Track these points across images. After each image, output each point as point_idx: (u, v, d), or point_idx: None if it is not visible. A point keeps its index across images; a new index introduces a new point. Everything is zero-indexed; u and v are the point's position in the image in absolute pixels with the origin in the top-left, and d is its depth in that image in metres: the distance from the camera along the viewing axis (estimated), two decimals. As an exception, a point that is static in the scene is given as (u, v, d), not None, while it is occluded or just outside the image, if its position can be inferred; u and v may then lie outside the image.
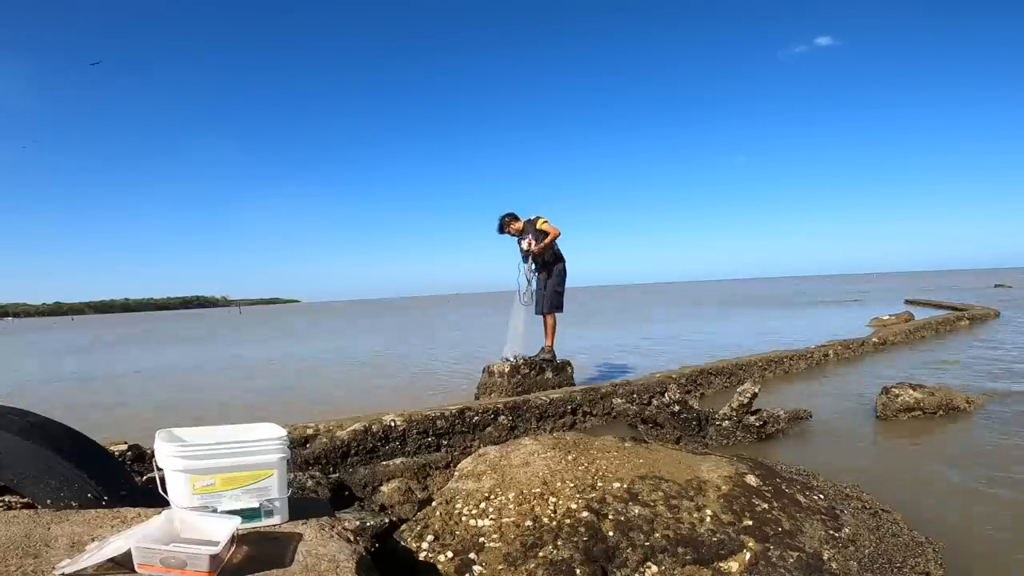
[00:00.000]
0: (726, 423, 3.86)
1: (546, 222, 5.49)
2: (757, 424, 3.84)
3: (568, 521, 1.96)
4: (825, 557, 1.90)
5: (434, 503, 2.16)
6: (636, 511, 2.03)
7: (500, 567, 1.78)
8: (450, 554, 1.83)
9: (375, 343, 13.86)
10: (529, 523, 1.95)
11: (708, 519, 2.03)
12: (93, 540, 1.30)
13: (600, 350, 9.34)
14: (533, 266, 5.50)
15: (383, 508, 2.74)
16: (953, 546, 2.18)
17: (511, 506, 2.04)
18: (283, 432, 1.61)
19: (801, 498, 2.29)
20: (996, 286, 29.35)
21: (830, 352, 7.07)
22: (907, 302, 18.11)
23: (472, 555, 1.82)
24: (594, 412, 4.53)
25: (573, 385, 5.21)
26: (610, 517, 1.99)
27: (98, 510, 1.48)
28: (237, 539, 1.36)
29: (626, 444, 2.60)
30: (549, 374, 5.22)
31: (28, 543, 1.27)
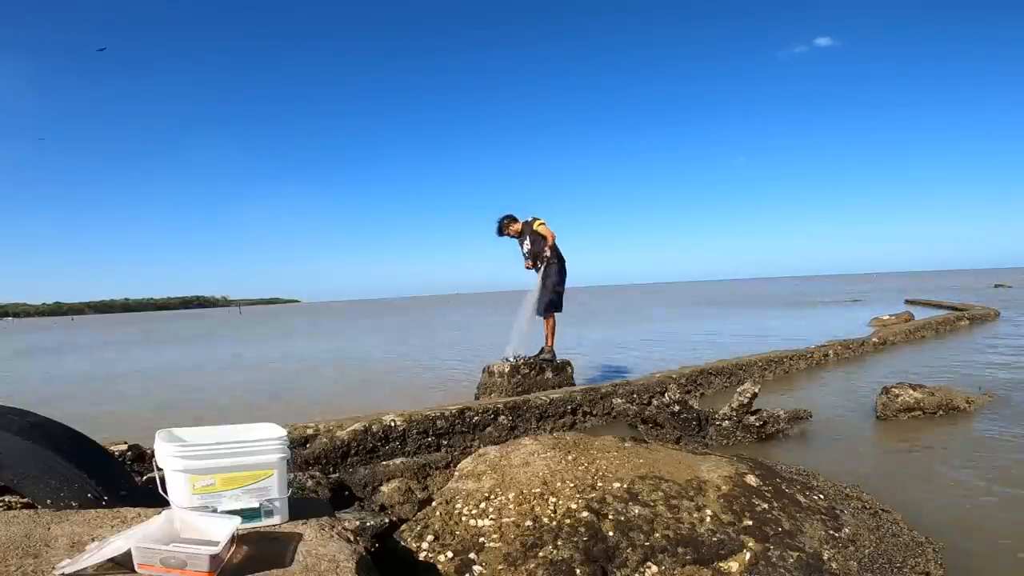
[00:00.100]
0: (726, 423, 3.86)
1: (543, 224, 5.49)
2: (757, 424, 3.84)
3: (568, 521, 1.96)
4: (825, 557, 1.90)
5: (434, 503, 2.16)
6: (636, 511, 2.03)
7: (500, 567, 1.78)
8: (450, 554, 1.83)
9: (375, 343, 13.87)
10: (529, 523, 1.95)
11: (708, 519, 2.03)
12: (93, 540, 1.30)
13: (600, 350, 9.34)
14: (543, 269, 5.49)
15: (383, 508, 2.74)
16: (953, 546, 2.18)
17: (511, 506, 2.04)
18: (283, 432, 1.61)
19: (801, 498, 2.29)
20: (996, 286, 29.35)
21: (830, 352, 7.07)
22: (907, 302, 18.12)
23: (472, 555, 1.82)
24: (594, 412, 4.53)
25: (573, 385, 5.21)
26: (610, 517, 1.99)
27: (98, 510, 1.48)
28: (237, 539, 1.36)
29: (626, 444, 2.60)
30: (549, 374, 5.22)
31: (28, 543, 1.27)
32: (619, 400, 4.46)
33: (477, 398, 5.09)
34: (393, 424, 3.54)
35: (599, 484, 2.16)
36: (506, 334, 5.53)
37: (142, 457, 2.86)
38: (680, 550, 1.87)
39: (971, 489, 2.81)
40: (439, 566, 1.79)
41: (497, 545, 1.86)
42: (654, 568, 1.81)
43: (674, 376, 5.20)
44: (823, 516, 2.18)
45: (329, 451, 3.24)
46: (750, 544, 1.91)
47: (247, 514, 1.47)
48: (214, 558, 1.21)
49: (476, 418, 3.92)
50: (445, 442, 3.73)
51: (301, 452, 3.16)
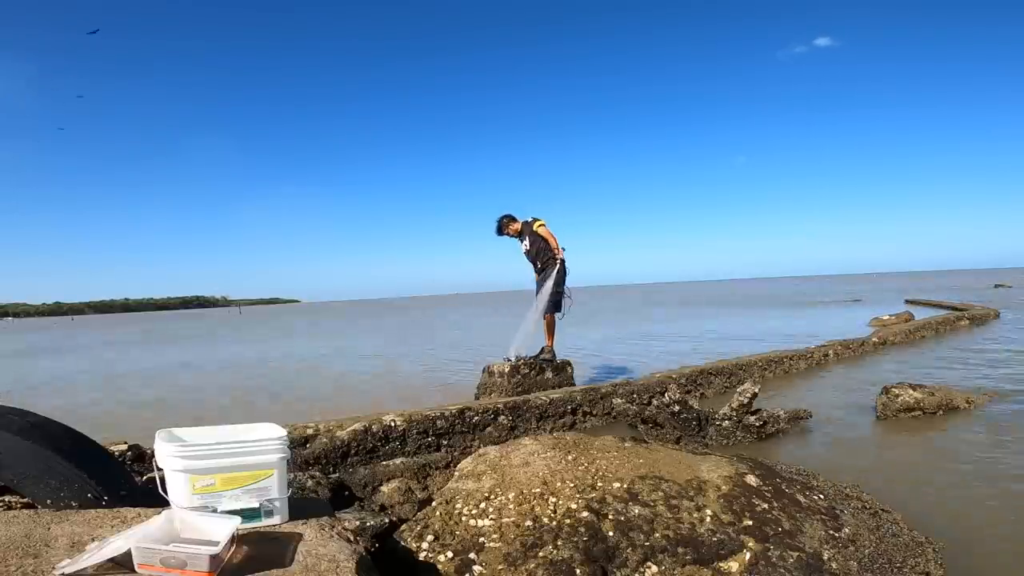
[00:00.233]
0: (726, 423, 3.86)
1: (543, 225, 5.49)
2: (757, 424, 3.84)
3: (568, 521, 1.96)
4: (825, 557, 1.90)
5: (434, 503, 2.16)
6: (636, 511, 2.03)
7: (500, 567, 1.78)
8: (450, 554, 1.83)
9: (375, 343, 13.87)
10: (529, 523, 1.95)
11: (708, 519, 2.03)
12: (93, 540, 1.31)
13: (600, 350, 9.34)
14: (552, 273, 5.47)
15: (383, 508, 2.74)
16: (953, 546, 2.18)
17: (511, 506, 2.04)
18: (283, 432, 1.61)
19: (801, 498, 2.29)
20: (996, 286, 29.35)
21: (830, 352, 7.07)
22: (907, 302, 18.12)
23: (472, 555, 1.82)
24: (594, 412, 4.53)
25: (573, 385, 5.20)
26: (610, 517, 1.99)
27: (98, 510, 1.48)
28: (237, 539, 1.36)
29: (626, 444, 2.60)
30: (549, 374, 5.22)
31: (28, 543, 1.27)
32: (619, 400, 4.46)
33: (477, 398, 5.09)
34: (393, 424, 3.54)
35: (599, 484, 2.16)
36: (507, 333, 5.53)
37: (142, 457, 2.86)
38: (680, 550, 1.87)
39: (971, 489, 2.82)
40: (439, 566, 1.79)
41: (497, 545, 1.86)
42: (654, 568, 1.81)
43: (674, 376, 5.20)
44: (823, 516, 2.18)
45: (329, 451, 3.24)
46: (750, 544, 1.91)
47: (247, 514, 1.47)
48: (214, 558, 1.21)
49: (476, 418, 3.92)
50: (445, 442, 3.73)
51: (301, 452, 3.16)
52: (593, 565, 1.79)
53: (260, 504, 1.50)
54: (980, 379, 5.47)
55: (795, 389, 5.55)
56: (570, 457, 2.35)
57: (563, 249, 5.48)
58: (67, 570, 1.17)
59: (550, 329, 5.53)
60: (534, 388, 4.98)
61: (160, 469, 1.49)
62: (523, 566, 1.77)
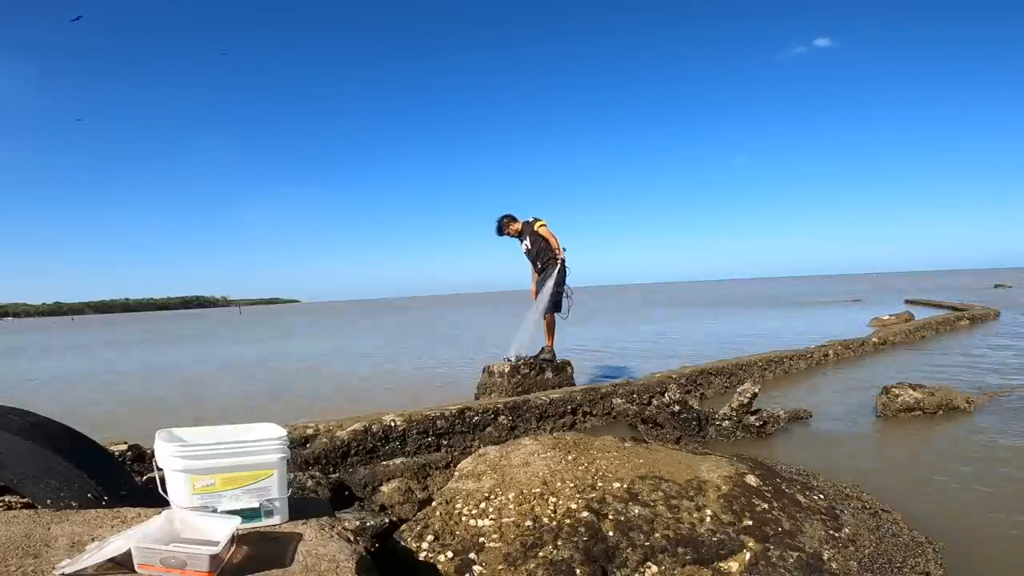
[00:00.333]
0: (726, 423, 3.86)
1: (544, 225, 5.49)
2: (757, 424, 3.84)
3: (568, 521, 1.96)
4: (825, 557, 1.90)
5: (434, 503, 2.16)
6: (636, 511, 2.03)
7: (500, 567, 1.78)
8: (450, 554, 1.83)
9: (375, 343, 13.87)
10: (529, 523, 1.95)
11: (708, 519, 2.03)
12: (93, 540, 1.30)
13: (600, 350, 9.34)
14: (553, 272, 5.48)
15: (383, 508, 2.74)
16: (953, 546, 2.18)
17: (511, 506, 2.04)
18: (283, 432, 1.61)
19: (801, 498, 2.29)
20: (996, 286, 29.35)
21: (830, 352, 7.07)
22: (907, 302, 18.12)
23: (472, 555, 1.82)
24: (594, 412, 4.53)
25: (573, 385, 5.20)
26: (610, 517, 1.99)
27: (98, 510, 1.48)
28: (237, 539, 1.36)
29: (626, 444, 2.61)
30: (549, 374, 5.22)
31: (28, 543, 1.27)
32: (619, 400, 4.46)
33: (477, 398, 5.09)
34: (393, 424, 3.54)
35: (599, 484, 2.17)
36: (507, 333, 5.53)
37: (142, 457, 2.86)
38: (680, 550, 1.87)
39: (971, 489, 2.81)
40: (439, 566, 1.79)
41: (497, 545, 1.86)
42: (654, 568, 1.81)
43: (674, 376, 5.20)
44: (823, 516, 2.18)
45: (329, 451, 3.24)
46: (750, 544, 1.91)
47: (247, 514, 1.47)
48: (214, 558, 1.21)
49: (476, 418, 3.92)
50: (445, 442, 3.73)
51: (301, 452, 3.16)
52: (593, 565, 1.79)
53: (260, 504, 1.50)
54: (980, 379, 5.47)
55: (795, 389, 5.55)
56: (570, 457, 2.35)
57: (564, 249, 5.48)
58: (67, 570, 1.17)
59: (550, 329, 5.53)
60: (534, 388, 4.98)
61: (160, 469, 1.49)
62: (523, 566, 1.77)
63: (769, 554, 1.87)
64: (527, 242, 5.59)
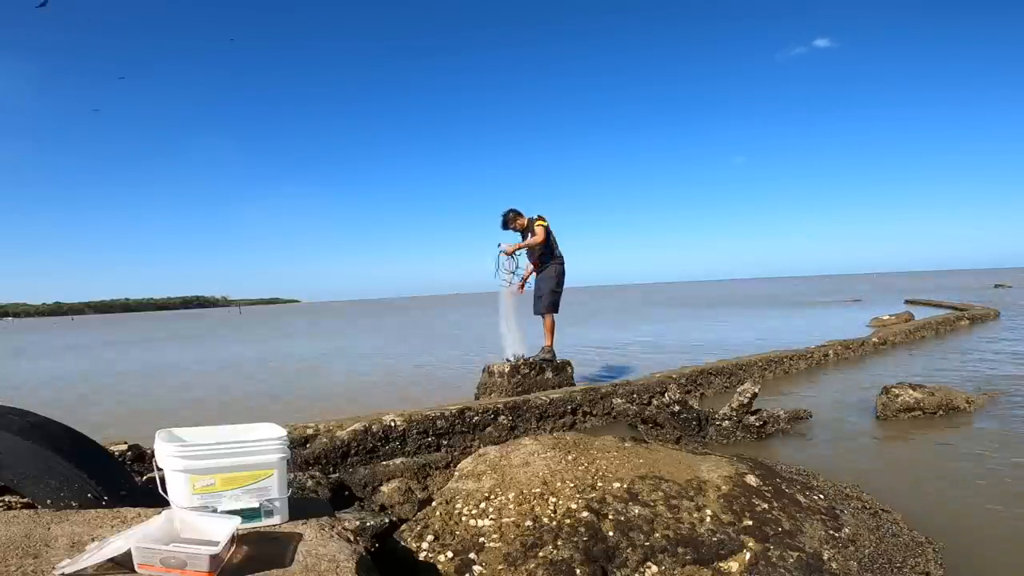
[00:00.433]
0: (726, 423, 3.86)
1: (541, 224, 5.49)
2: (757, 424, 3.84)
3: (568, 521, 1.96)
4: (825, 557, 1.90)
5: (434, 503, 2.16)
6: (636, 511, 2.03)
7: (500, 567, 1.78)
8: (450, 554, 1.83)
9: (375, 343, 13.87)
10: (529, 523, 1.95)
11: (708, 519, 2.03)
12: (93, 540, 1.30)
13: (600, 350, 9.34)
14: (514, 264, 5.52)
15: (383, 508, 2.74)
16: (953, 546, 2.18)
17: (511, 506, 2.04)
18: (283, 432, 1.61)
19: (801, 498, 2.29)
20: (996, 286, 29.35)
21: (830, 352, 7.07)
22: (907, 302, 18.12)
23: (472, 555, 1.82)
24: (594, 412, 4.53)
25: (573, 385, 5.20)
26: (610, 517, 1.99)
27: (98, 510, 1.48)
28: (237, 539, 1.36)
29: (626, 444, 2.61)
30: (549, 374, 5.22)
31: (28, 543, 1.27)
32: (619, 400, 4.46)
33: (477, 398, 5.09)
34: (393, 424, 3.54)
35: (599, 484, 2.17)
36: (507, 333, 5.53)
37: (142, 457, 2.86)
38: (680, 550, 1.87)
39: (971, 489, 2.81)
40: (439, 566, 1.79)
41: (497, 545, 1.86)
42: (654, 568, 1.81)
43: (674, 376, 5.20)
44: (823, 516, 2.18)
45: (329, 451, 3.24)
46: (750, 544, 1.91)
47: (247, 514, 1.47)
48: (214, 558, 1.21)
49: (476, 418, 3.92)
50: (445, 442, 3.73)
51: (301, 452, 3.16)
52: (593, 565, 1.79)
53: (260, 504, 1.50)
54: (980, 379, 5.47)
55: (795, 389, 5.55)
56: (570, 457, 2.35)
57: (543, 240, 5.43)
58: (67, 570, 1.17)
59: (550, 329, 5.54)
60: (534, 388, 4.98)
61: (160, 469, 1.49)
62: (523, 566, 1.77)
63: (769, 554, 1.87)
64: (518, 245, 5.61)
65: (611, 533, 1.93)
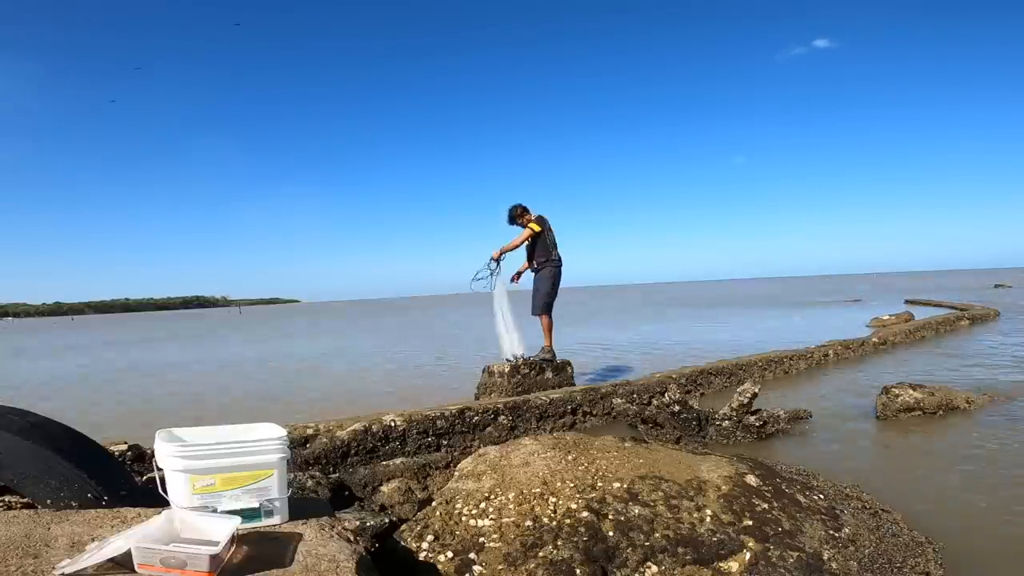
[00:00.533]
0: (726, 423, 3.86)
1: (530, 227, 5.48)
2: (757, 424, 3.84)
3: (568, 521, 1.96)
4: (825, 557, 1.90)
5: (434, 503, 2.16)
6: (636, 511, 2.03)
7: (500, 567, 1.78)
8: (450, 554, 1.83)
9: (375, 343, 13.86)
10: (529, 523, 1.95)
11: (708, 519, 2.03)
12: (93, 540, 1.30)
13: (600, 350, 9.34)
14: (495, 266, 5.54)
15: (383, 508, 2.74)
16: (953, 546, 2.18)
17: (511, 506, 2.04)
18: (283, 432, 1.61)
19: (801, 498, 2.29)
20: (996, 286, 29.35)
21: (830, 352, 7.07)
22: (907, 302, 18.12)
23: (472, 555, 1.82)
24: (594, 412, 4.53)
25: (573, 385, 5.21)
26: (610, 517, 1.99)
27: (98, 510, 1.48)
28: (237, 539, 1.36)
29: (626, 444, 2.60)
30: (549, 374, 5.22)
31: (28, 543, 1.27)
32: (619, 400, 4.46)
33: (477, 398, 5.09)
34: (393, 424, 3.54)
35: (599, 484, 2.17)
36: (507, 334, 5.53)
37: (142, 457, 2.86)
38: (680, 550, 1.87)
39: (971, 489, 2.81)
40: (439, 566, 1.79)
41: (497, 545, 1.86)
42: (654, 568, 1.81)
43: (674, 376, 5.20)
44: (823, 516, 2.18)
45: (329, 451, 3.24)
46: (750, 544, 1.91)
47: (247, 514, 1.47)
48: (214, 558, 1.21)
49: (476, 418, 3.92)
50: (445, 442, 3.73)
51: (301, 452, 3.16)
52: (593, 565, 1.79)
53: (260, 504, 1.50)
54: (980, 379, 5.47)
55: (795, 389, 5.55)
56: (570, 457, 2.35)
57: (528, 238, 5.43)
58: (67, 570, 1.17)
59: (548, 330, 5.54)
60: (534, 388, 4.98)
61: (160, 469, 1.48)
62: (523, 566, 1.77)
63: (769, 554, 1.87)
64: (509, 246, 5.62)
65: (611, 533, 1.93)
